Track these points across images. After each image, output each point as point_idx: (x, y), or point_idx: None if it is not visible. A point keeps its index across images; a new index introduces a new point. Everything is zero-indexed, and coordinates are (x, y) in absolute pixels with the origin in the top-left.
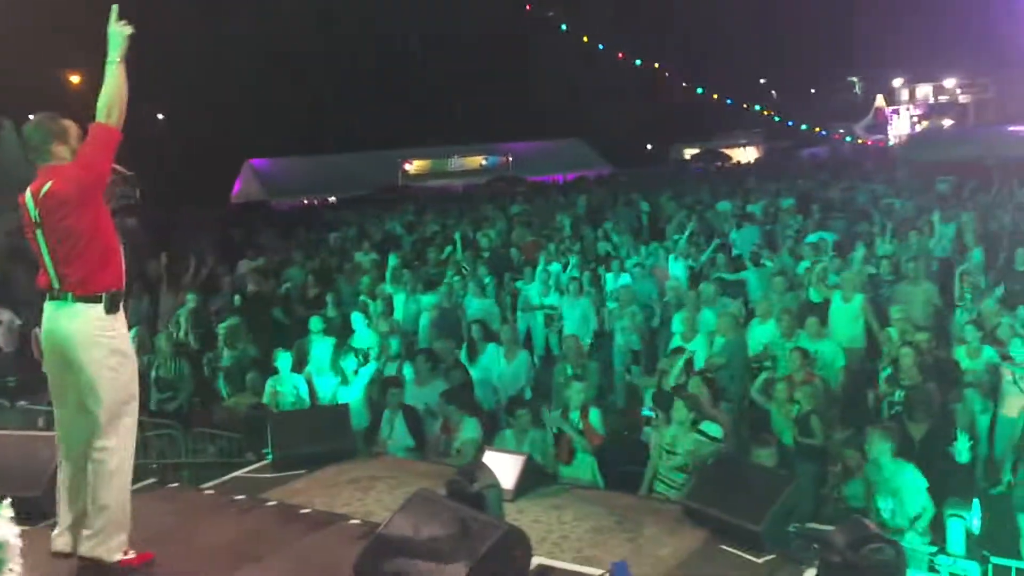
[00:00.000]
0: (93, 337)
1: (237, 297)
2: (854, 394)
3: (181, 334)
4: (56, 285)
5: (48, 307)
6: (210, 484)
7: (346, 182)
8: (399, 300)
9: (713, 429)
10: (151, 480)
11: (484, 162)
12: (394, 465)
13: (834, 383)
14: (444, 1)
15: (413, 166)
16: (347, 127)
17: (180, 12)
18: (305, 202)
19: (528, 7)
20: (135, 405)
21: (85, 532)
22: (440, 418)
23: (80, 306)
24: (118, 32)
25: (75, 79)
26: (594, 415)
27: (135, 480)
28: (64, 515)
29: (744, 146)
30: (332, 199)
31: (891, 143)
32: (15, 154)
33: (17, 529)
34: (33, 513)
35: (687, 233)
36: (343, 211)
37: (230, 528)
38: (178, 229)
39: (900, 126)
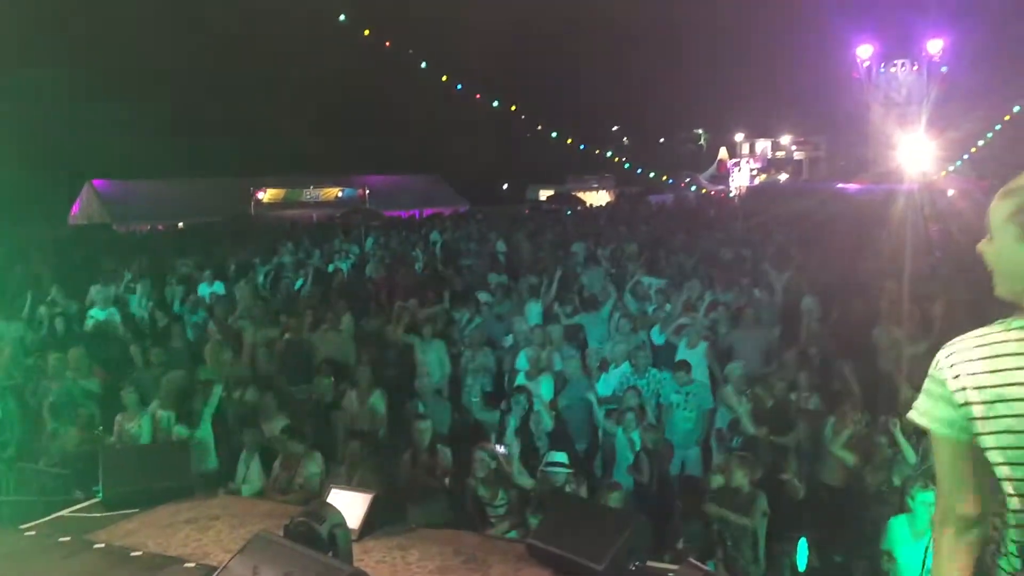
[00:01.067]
0: None
1: (60, 323)
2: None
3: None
4: None
5: None
6: (31, 524)
7: (196, 208)
8: (248, 333)
9: (561, 457)
10: None
11: (340, 194)
12: (235, 504)
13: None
14: (307, 33)
15: (267, 195)
16: (199, 152)
17: (20, 24)
18: (148, 228)
19: (388, 44)
20: None
21: None
22: (282, 455)
23: None
24: None
25: None
26: (444, 453)
27: None
28: None
29: (596, 190)
30: (180, 225)
31: (732, 194)
32: None
33: None
34: None
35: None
36: (190, 238)
37: (51, 572)
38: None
39: (740, 178)
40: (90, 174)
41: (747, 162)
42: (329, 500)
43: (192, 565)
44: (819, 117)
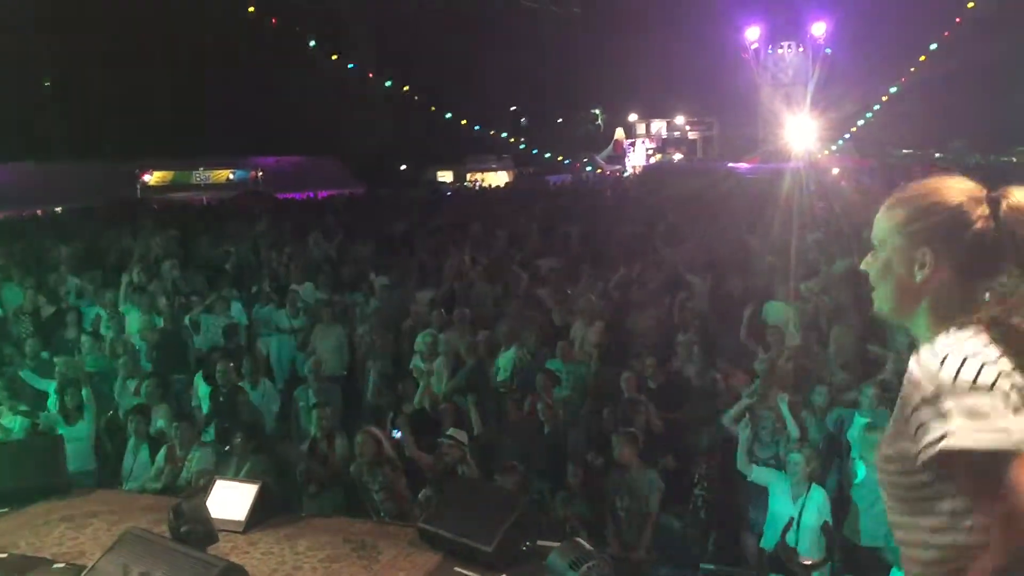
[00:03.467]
0: None
1: None
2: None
3: None
4: None
5: None
6: None
7: (75, 193)
8: (133, 319)
9: (459, 434)
10: None
11: (232, 176)
12: (115, 499)
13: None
14: (194, 8)
15: (153, 177)
16: (78, 133)
17: None
18: (24, 213)
19: (274, 20)
20: None
21: None
22: (167, 447)
23: None
24: None
25: None
26: (340, 442)
27: None
28: None
29: (495, 171)
30: (58, 209)
31: (627, 174)
32: None
33: None
34: None
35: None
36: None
37: None
38: None
39: (636, 158)
40: None
41: (643, 142)
42: (214, 492)
43: (62, 565)
44: (712, 98)
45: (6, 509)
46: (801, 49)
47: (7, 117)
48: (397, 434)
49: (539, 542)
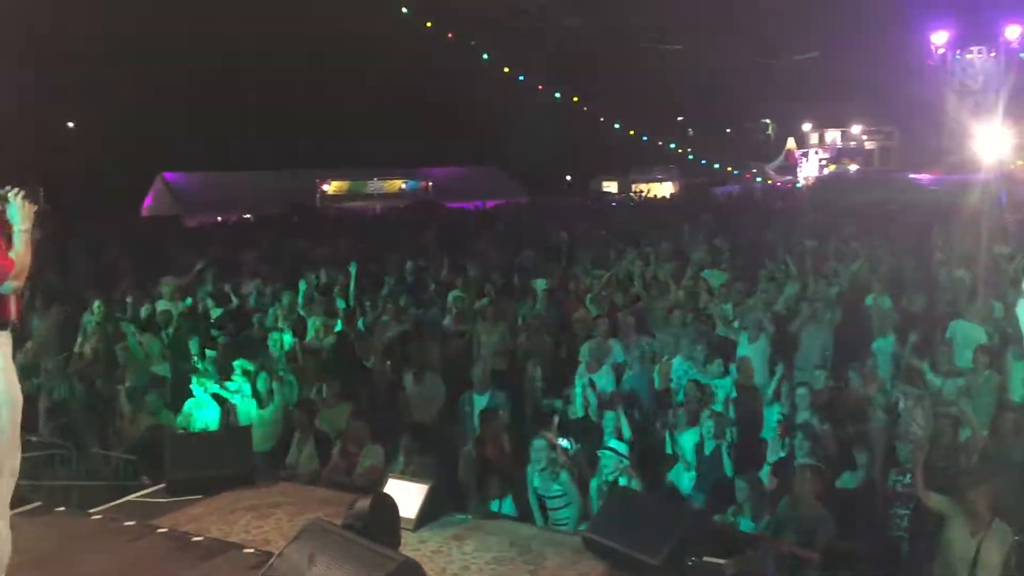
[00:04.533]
0: None
1: (145, 311)
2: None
3: (85, 349)
4: None
5: None
6: (99, 509)
7: (261, 200)
8: (312, 324)
9: (620, 447)
10: (36, 504)
11: (403, 186)
12: (295, 492)
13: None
14: (371, 26)
15: (331, 187)
16: (266, 144)
17: (95, 19)
18: (219, 219)
19: (451, 35)
20: (14, 438)
21: None
22: (341, 443)
23: None
24: (21, 207)
25: None
26: (506, 446)
27: (17, 504)
28: None
29: (660, 181)
30: (247, 216)
31: (799, 184)
32: None
33: None
34: None
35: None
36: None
37: (116, 556)
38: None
39: (809, 168)
40: (162, 167)
41: (816, 152)
42: (386, 490)
43: (251, 551)
44: (891, 105)
45: (199, 496)
46: (993, 54)
47: (202, 132)
48: (563, 442)
49: (705, 558)
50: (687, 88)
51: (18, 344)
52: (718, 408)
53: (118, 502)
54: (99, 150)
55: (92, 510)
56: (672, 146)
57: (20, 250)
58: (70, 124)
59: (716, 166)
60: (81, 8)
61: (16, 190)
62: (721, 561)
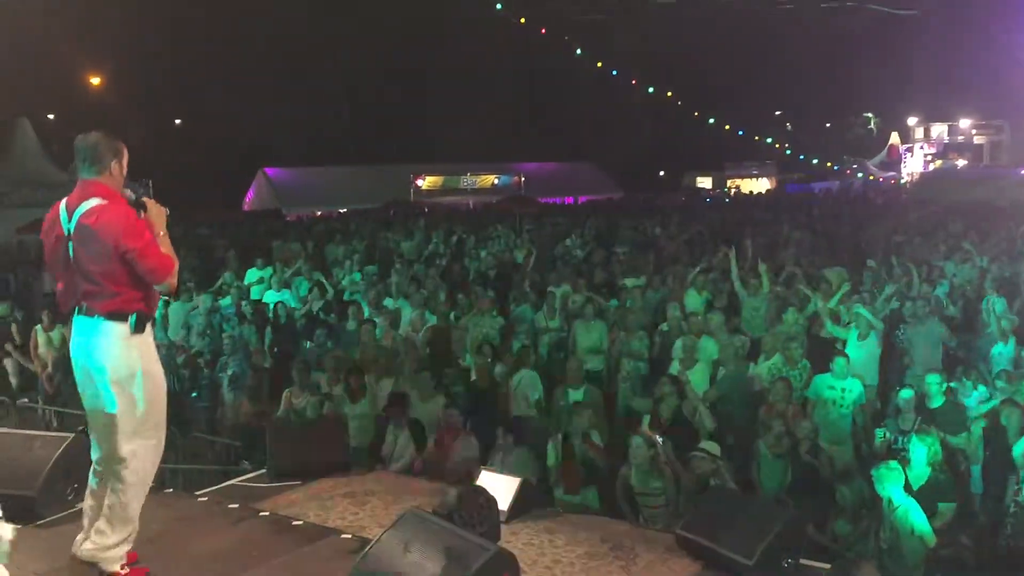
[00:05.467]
0: (116, 356)
1: (246, 305)
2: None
3: (194, 338)
4: (82, 300)
5: (75, 321)
6: (204, 491)
7: (358, 195)
8: (404, 315)
9: (712, 447)
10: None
11: (496, 181)
12: (390, 481)
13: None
14: (464, 23)
15: (425, 182)
16: (362, 140)
17: (201, 20)
18: (319, 213)
19: (543, 31)
20: (157, 425)
21: (91, 536)
22: (435, 435)
23: (105, 324)
24: (161, 213)
25: (95, 81)
26: (596, 442)
27: None
28: (88, 521)
29: (756, 177)
30: (343, 211)
31: (903, 181)
32: (31, 151)
33: (10, 526)
34: (26, 511)
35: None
36: (353, 223)
37: (221, 537)
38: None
39: (913, 164)
40: (263, 162)
41: (921, 147)
42: (479, 482)
43: (349, 536)
44: (1002, 99)
45: (298, 482)
46: None
47: (299, 125)
48: (658, 438)
49: (802, 560)
50: (786, 82)
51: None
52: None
53: (222, 485)
54: (204, 146)
55: (198, 492)
56: (769, 141)
57: (167, 251)
58: (177, 121)
59: (815, 161)
60: (186, 10)
61: (151, 199)
62: (820, 565)
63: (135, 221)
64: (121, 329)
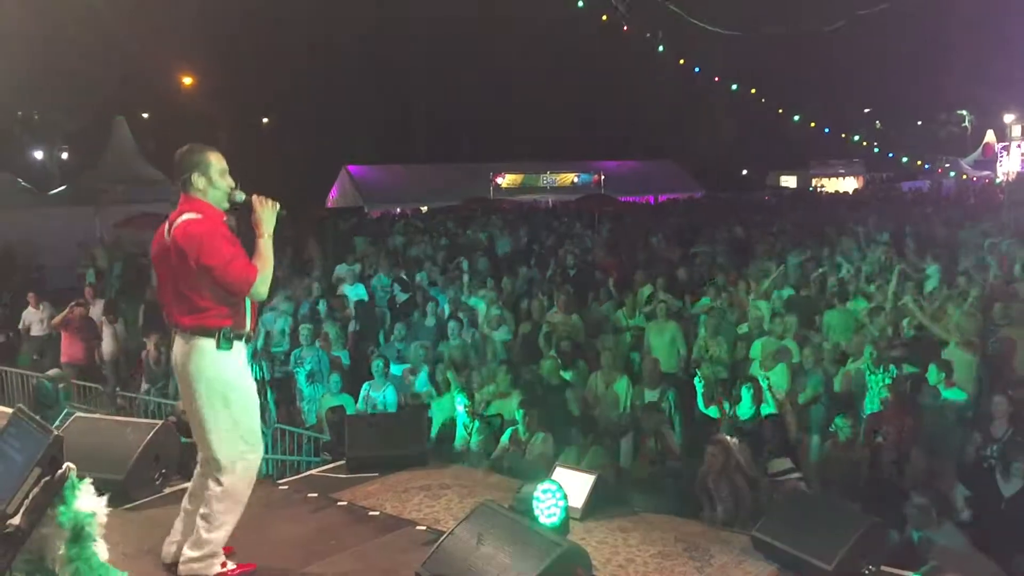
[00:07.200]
0: (205, 371)
1: (322, 301)
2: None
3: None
4: (174, 314)
5: (175, 334)
6: (286, 480)
7: (438, 192)
8: (482, 311)
9: (784, 463)
10: None
11: (576, 179)
12: (465, 475)
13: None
14: (543, 21)
15: (505, 180)
16: (442, 138)
17: (288, 22)
18: (399, 210)
19: (626, 28)
20: (248, 437)
21: (187, 547)
22: (511, 430)
23: (193, 339)
24: (272, 213)
25: (187, 81)
26: (669, 441)
27: None
28: (182, 524)
29: (843, 176)
30: (424, 208)
31: (999, 180)
32: (128, 149)
33: (104, 502)
34: (116, 494)
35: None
36: (433, 220)
37: (301, 524)
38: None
39: (1010, 163)
40: (346, 160)
41: (1019, 146)
42: (554, 478)
43: (423, 528)
44: None
45: (375, 474)
46: None
47: (381, 124)
48: (734, 440)
49: (883, 567)
50: (875, 77)
51: None
52: None
53: (302, 475)
54: (290, 144)
55: (280, 480)
56: (856, 139)
57: (265, 256)
58: (264, 120)
59: (904, 160)
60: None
61: (262, 198)
62: (903, 572)
63: (216, 237)
64: (208, 344)
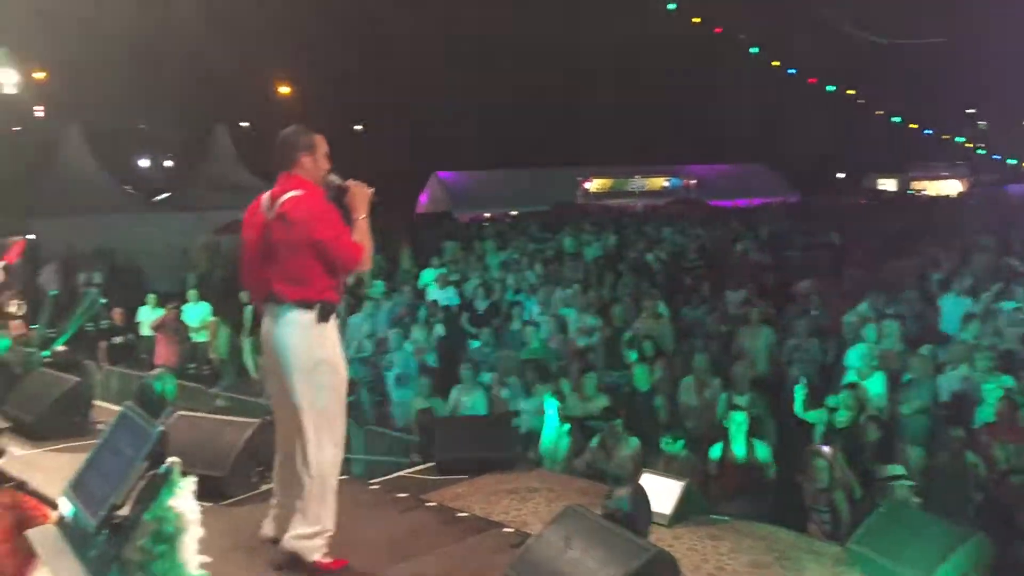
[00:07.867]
0: (301, 344)
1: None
2: None
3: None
4: (273, 287)
5: (266, 308)
6: (376, 480)
7: (526, 197)
8: (571, 317)
9: (898, 469)
10: None
11: (666, 184)
12: (552, 479)
13: None
14: (635, 23)
15: (593, 184)
16: (531, 143)
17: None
18: (487, 215)
19: (718, 30)
20: (336, 418)
21: (290, 528)
22: (599, 434)
23: (293, 312)
24: (365, 195)
25: (284, 90)
26: (761, 449)
27: None
28: (275, 503)
29: (945, 179)
30: (513, 213)
31: None
32: (227, 156)
33: (197, 505)
34: (215, 491)
35: None
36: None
37: (390, 524)
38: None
39: None
40: (437, 166)
41: None
42: (641, 483)
43: (511, 531)
44: None
45: (464, 476)
46: None
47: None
48: (826, 449)
49: None
50: (979, 76)
51: None
52: None
53: (392, 476)
54: (382, 150)
55: (371, 481)
56: (959, 140)
57: (359, 237)
58: (357, 127)
59: (1011, 162)
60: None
61: (355, 181)
62: None
63: (328, 212)
64: (308, 317)
